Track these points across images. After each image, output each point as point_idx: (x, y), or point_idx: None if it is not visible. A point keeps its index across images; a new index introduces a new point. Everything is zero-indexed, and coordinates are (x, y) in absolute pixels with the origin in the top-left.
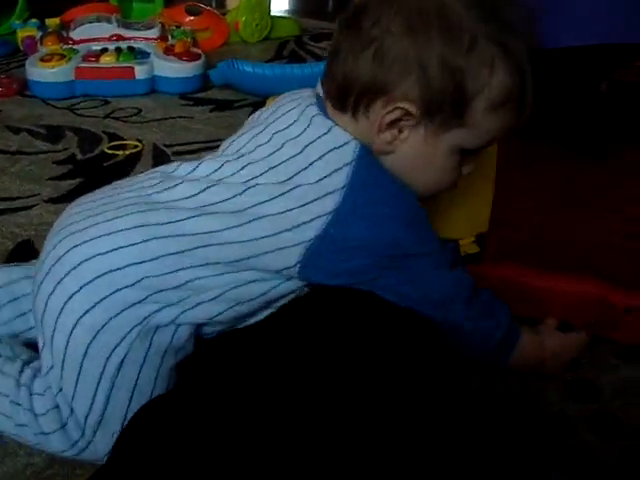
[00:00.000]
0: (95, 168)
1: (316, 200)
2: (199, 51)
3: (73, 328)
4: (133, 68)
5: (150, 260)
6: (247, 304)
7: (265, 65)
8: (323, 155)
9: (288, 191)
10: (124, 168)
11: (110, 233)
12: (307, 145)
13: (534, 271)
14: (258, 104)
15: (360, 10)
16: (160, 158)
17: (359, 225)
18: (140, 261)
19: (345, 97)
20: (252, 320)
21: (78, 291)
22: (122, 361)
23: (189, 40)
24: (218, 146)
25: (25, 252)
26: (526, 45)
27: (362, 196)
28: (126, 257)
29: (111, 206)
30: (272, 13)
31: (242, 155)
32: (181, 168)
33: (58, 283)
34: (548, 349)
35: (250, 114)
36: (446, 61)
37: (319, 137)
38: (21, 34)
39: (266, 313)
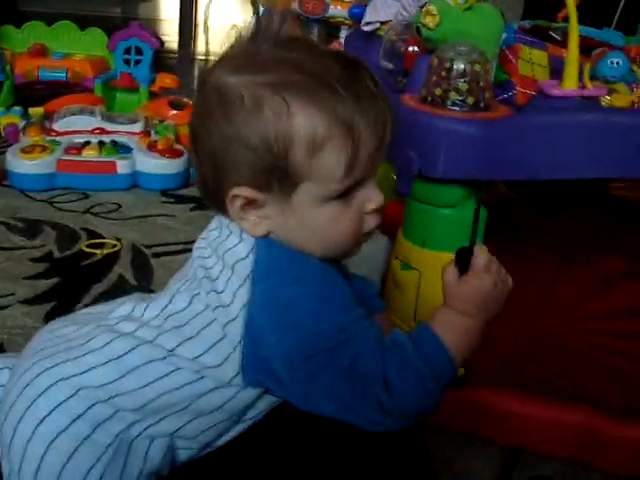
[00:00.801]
0: (72, 267)
1: (234, 300)
2: (182, 148)
3: (44, 453)
4: (115, 163)
5: (121, 377)
6: (211, 416)
7: None
8: (226, 252)
9: (211, 298)
10: (102, 268)
11: (84, 354)
12: (216, 250)
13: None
14: None
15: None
16: (139, 259)
17: (268, 313)
18: (113, 379)
19: (209, 200)
20: (226, 437)
21: (49, 414)
22: None
23: (172, 136)
24: None
25: None
26: (325, 74)
27: (267, 282)
28: (99, 376)
29: (83, 330)
30: None
31: (188, 276)
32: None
33: (28, 407)
34: (465, 315)
35: None
36: (237, 137)
37: (226, 238)
38: (4, 121)
39: (239, 428)
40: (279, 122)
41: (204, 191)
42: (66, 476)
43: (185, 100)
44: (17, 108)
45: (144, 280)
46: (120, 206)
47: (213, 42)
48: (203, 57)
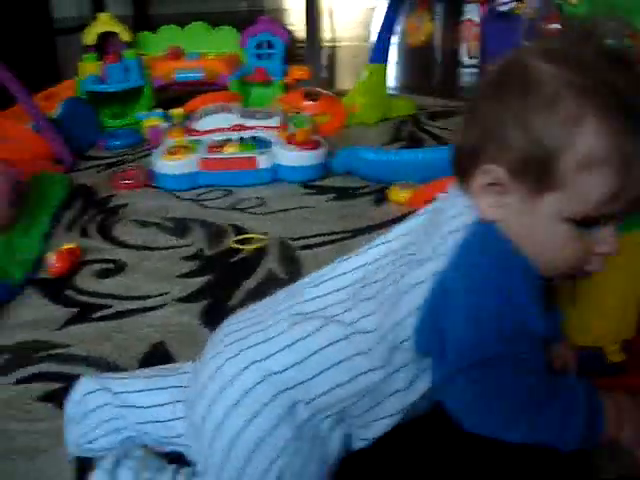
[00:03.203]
0: (223, 264)
1: (429, 259)
2: (320, 139)
3: (236, 437)
4: (255, 158)
5: (303, 360)
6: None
7: (386, 151)
8: (443, 222)
9: (407, 259)
10: (251, 263)
11: (266, 340)
12: (435, 221)
13: None
14: (379, 191)
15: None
16: (286, 252)
17: (461, 284)
18: (294, 363)
19: (456, 166)
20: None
21: (239, 402)
22: (282, 471)
23: (309, 128)
24: (341, 239)
25: (158, 356)
26: (634, 104)
27: (469, 257)
28: (281, 360)
29: (264, 316)
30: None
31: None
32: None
33: (219, 393)
34: (626, 416)
35: (373, 202)
36: (520, 118)
37: (450, 208)
38: (146, 124)
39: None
40: (567, 124)
41: (458, 152)
42: (254, 461)
43: (318, 90)
44: (158, 111)
45: (294, 273)
46: (263, 200)
47: (339, 28)
48: (330, 44)
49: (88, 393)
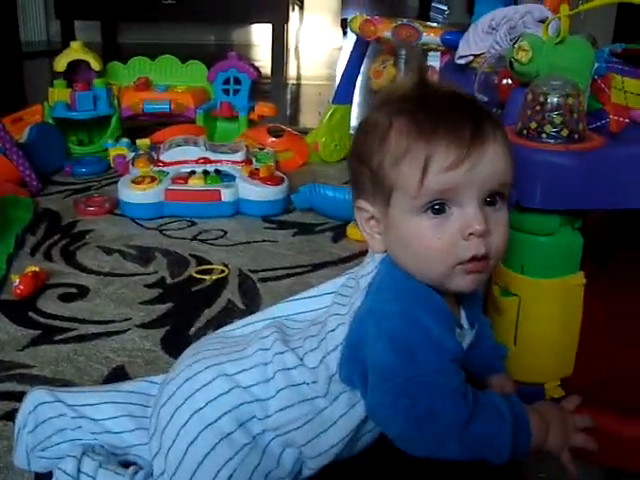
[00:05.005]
0: (184, 292)
1: (351, 308)
2: (282, 175)
3: (195, 439)
4: (219, 191)
5: (264, 381)
6: (327, 434)
7: (346, 189)
8: (360, 270)
9: (335, 308)
10: (211, 293)
11: (239, 359)
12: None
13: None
14: (338, 228)
15: None
16: (246, 284)
17: (371, 321)
18: (257, 382)
19: None
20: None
21: (204, 407)
22: (231, 475)
23: (272, 164)
24: (300, 273)
25: (118, 378)
26: (423, 102)
27: (376, 295)
28: (249, 378)
29: (242, 340)
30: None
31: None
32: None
33: (188, 398)
34: (551, 422)
35: (331, 239)
36: (360, 154)
37: (366, 257)
38: (113, 153)
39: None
40: (380, 141)
41: None
42: (207, 463)
43: (283, 127)
44: (125, 140)
45: (252, 305)
46: (225, 232)
47: (305, 66)
48: (295, 82)
49: (41, 404)
